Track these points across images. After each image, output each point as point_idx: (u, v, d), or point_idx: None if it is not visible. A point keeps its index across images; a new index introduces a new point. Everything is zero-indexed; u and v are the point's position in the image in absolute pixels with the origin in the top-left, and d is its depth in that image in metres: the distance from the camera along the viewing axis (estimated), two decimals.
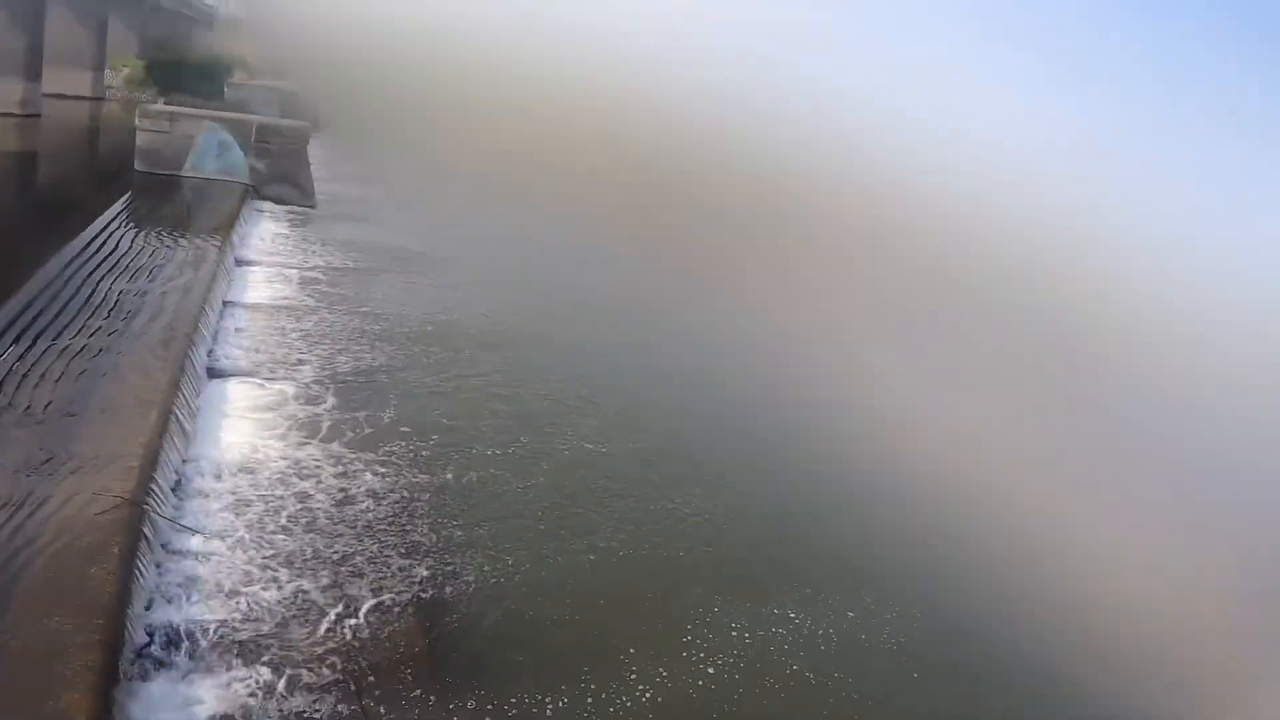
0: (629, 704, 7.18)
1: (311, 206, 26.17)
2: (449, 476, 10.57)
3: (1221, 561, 12.22)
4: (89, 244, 15.60)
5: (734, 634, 8.49)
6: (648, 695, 7.31)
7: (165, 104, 29.29)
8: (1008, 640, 9.49)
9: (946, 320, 21.48)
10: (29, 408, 8.82)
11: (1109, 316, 25.78)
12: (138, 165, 24.23)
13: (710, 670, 7.85)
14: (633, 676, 7.51)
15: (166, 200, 21.85)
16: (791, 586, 9.59)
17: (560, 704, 6.99)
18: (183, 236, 17.68)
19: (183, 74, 45.28)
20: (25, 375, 9.48)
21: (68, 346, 10.60)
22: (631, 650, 7.87)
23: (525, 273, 22.49)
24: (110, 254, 15.27)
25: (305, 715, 6.29)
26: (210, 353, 12.75)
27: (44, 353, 10.25)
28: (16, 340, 10.46)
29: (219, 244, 17.56)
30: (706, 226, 24.31)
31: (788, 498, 12.14)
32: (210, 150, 24.65)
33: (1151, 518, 13.04)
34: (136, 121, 24.71)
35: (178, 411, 9.77)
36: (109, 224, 17.46)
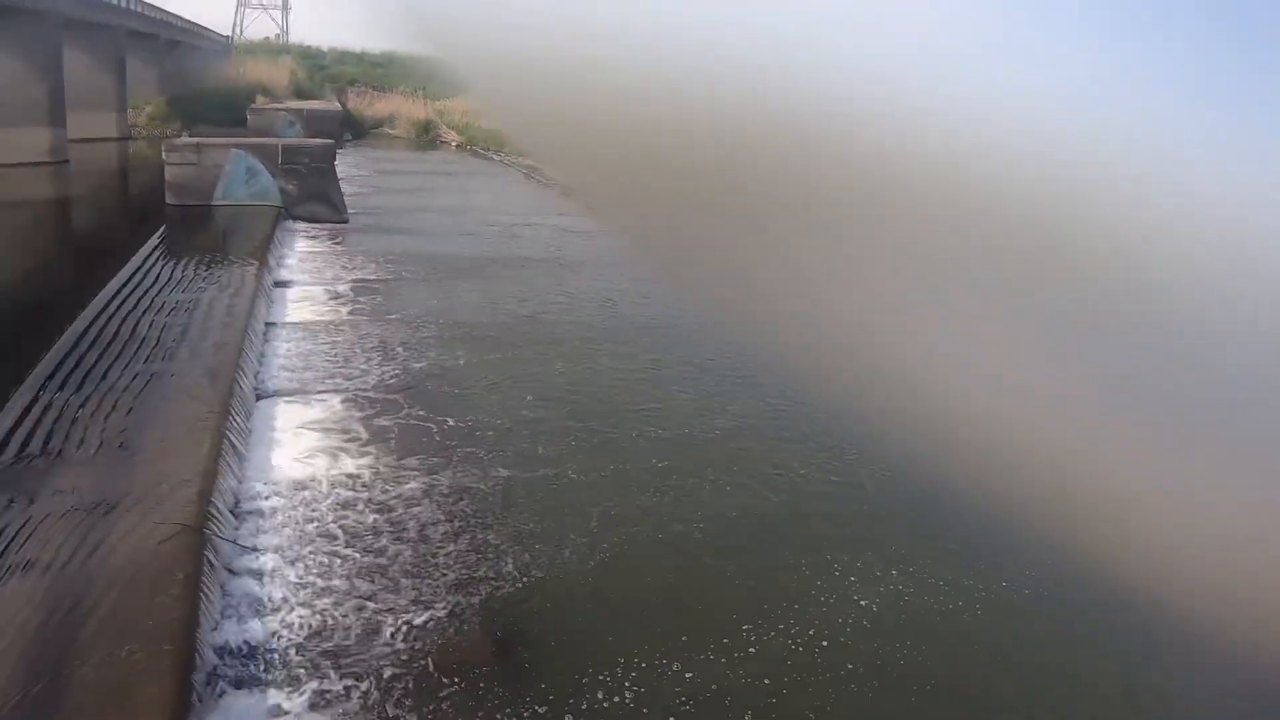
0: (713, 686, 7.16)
1: (344, 221, 26.49)
2: (508, 475, 10.58)
3: None
4: (128, 281, 15.93)
5: (823, 603, 8.44)
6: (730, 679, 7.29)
7: (190, 136, 29.75)
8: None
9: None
10: (83, 448, 8.98)
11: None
12: (169, 199, 24.56)
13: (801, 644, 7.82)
14: (708, 661, 7.50)
15: (200, 230, 22.14)
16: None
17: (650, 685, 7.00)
18: (219, 264, 17.95)
19: (204, 105, 46.16)
20: (75, 419, 9.66)
21: (115, 383, 10.80)
22: (705, 636, 7.84)
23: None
24: (150, 288, 15.54)
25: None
26: (256, 375, 12.93)
27: (93, 393, 10.44)
28: (63, 386, 10.66)
29: (255, 268, 17.79)
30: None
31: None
32: (239, 177, 24.95)
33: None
34: (163, 156, 24.99)
35: (230, 435, 9.92)
36: (145, 260, 17.80)
